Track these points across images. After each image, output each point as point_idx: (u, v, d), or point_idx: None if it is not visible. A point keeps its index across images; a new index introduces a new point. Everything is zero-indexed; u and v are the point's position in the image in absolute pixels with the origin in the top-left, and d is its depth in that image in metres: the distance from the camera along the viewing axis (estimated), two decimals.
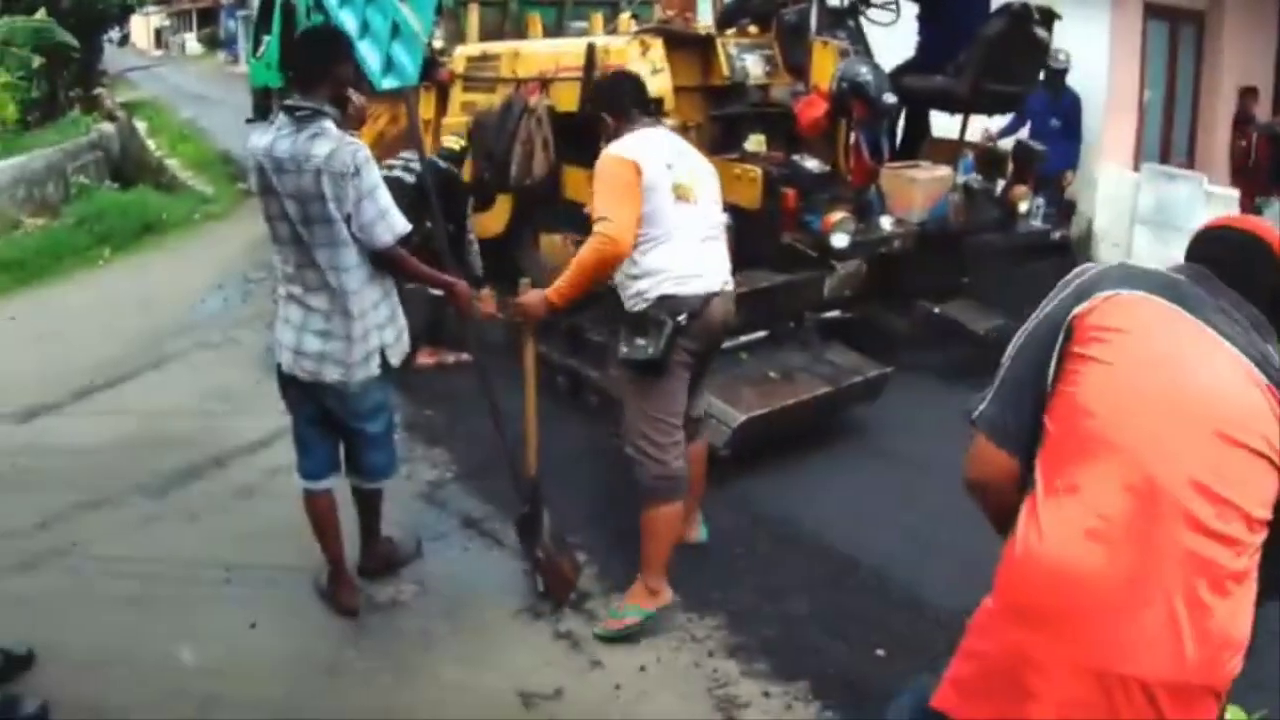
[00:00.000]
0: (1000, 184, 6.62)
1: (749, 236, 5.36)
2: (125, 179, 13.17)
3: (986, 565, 2.18)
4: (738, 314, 4.95)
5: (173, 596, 4.22)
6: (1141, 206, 9.36)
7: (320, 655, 3.84)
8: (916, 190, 5.94)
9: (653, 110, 4.00)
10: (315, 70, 3.59)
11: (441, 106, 7.85)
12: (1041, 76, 7.19)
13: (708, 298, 3.74)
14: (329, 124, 3.52)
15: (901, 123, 6.75)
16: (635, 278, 3.72)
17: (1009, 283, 6.04)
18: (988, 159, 6.75)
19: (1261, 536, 1.94)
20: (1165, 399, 1.92)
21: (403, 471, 4.93)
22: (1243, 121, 10.41)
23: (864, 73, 5.52)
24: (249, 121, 13.98)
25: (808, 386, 5.24)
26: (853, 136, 5.80)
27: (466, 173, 6.80)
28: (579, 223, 6.33)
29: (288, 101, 3.60)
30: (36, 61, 16.09)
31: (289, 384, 3.87)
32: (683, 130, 5.91)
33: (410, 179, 6.10)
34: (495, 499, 4.84)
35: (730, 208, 5.19)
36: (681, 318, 3.64)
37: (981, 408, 2.13)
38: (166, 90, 25.79)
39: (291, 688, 3.67)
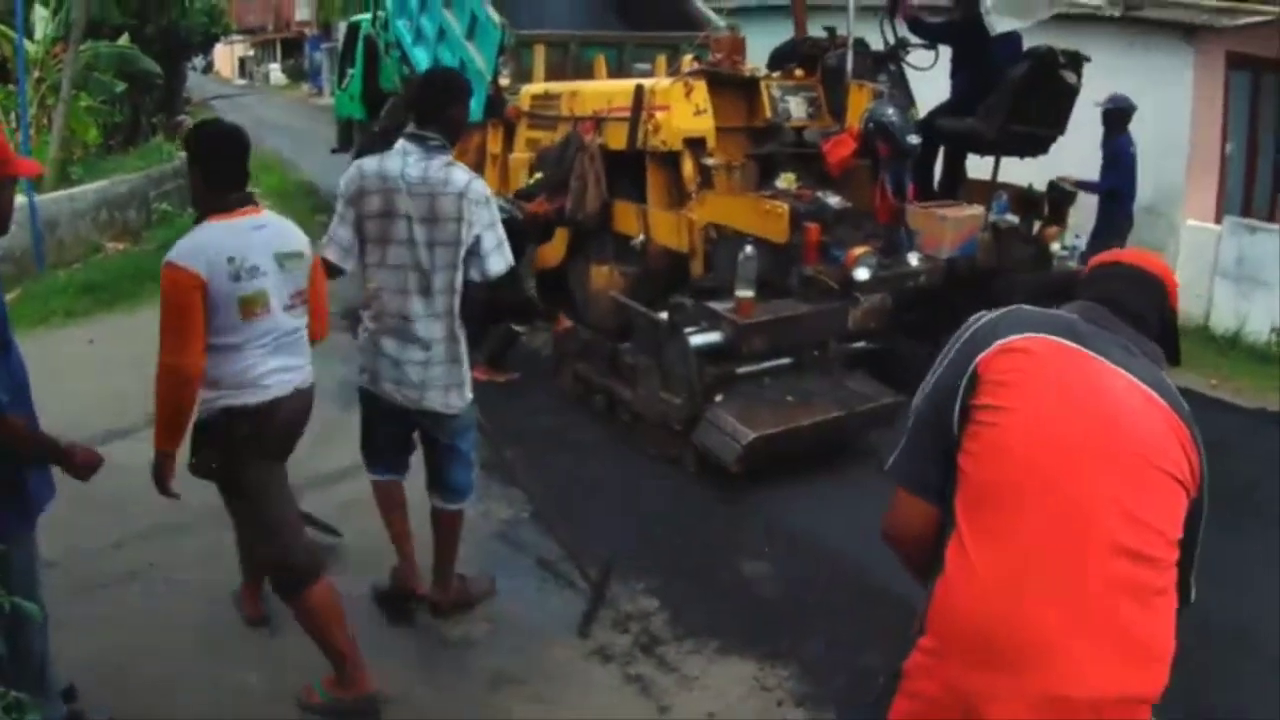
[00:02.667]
0: (1036, 224, 7.42)
1: (775, 268, 6.29)
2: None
3: None
4: (763, 341, 5.89)
5: (242, 625, 4.48)
6: (1223, 259, 10.03)
7: (391, 690, 4.05)
8: (946, 228, 6.78)
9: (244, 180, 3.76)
10: (443, 106, 4.10)
11: (508, 142, 8.96)
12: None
13: (274, 403, 3.69)
14: (453, 156, 4.09)
15: (940, 163, 7.61)
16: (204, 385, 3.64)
17: None
18: (1023, 199, 7.52)
19: (1177, 554, 2.17)
20: (1079, 433, 2.13)
21: (479, 509, 5.46)
22: None
23: (889, 114, 6.43)
24: (334, 152, 15.38)
25: (820, 410, 6.09)
26: (879, 175, 6.67)
27: (541, 210, 7.84)
28: (626, 255, 7.39)
29: (417, 131, 4.05)
30: (120, 87, 17.62)
31: (383, 407, 4.31)
32: (725, 169, 6.94)
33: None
34: (571, 541, 5.16)
35: (759, 240, 6.15)
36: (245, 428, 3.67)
37: (894, 458, 2.34)
38: (249, 120, 27.37)
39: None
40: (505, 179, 8.79)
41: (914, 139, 6.52)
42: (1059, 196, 7.47)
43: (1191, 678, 4.08)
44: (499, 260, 4.12)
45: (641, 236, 7.27)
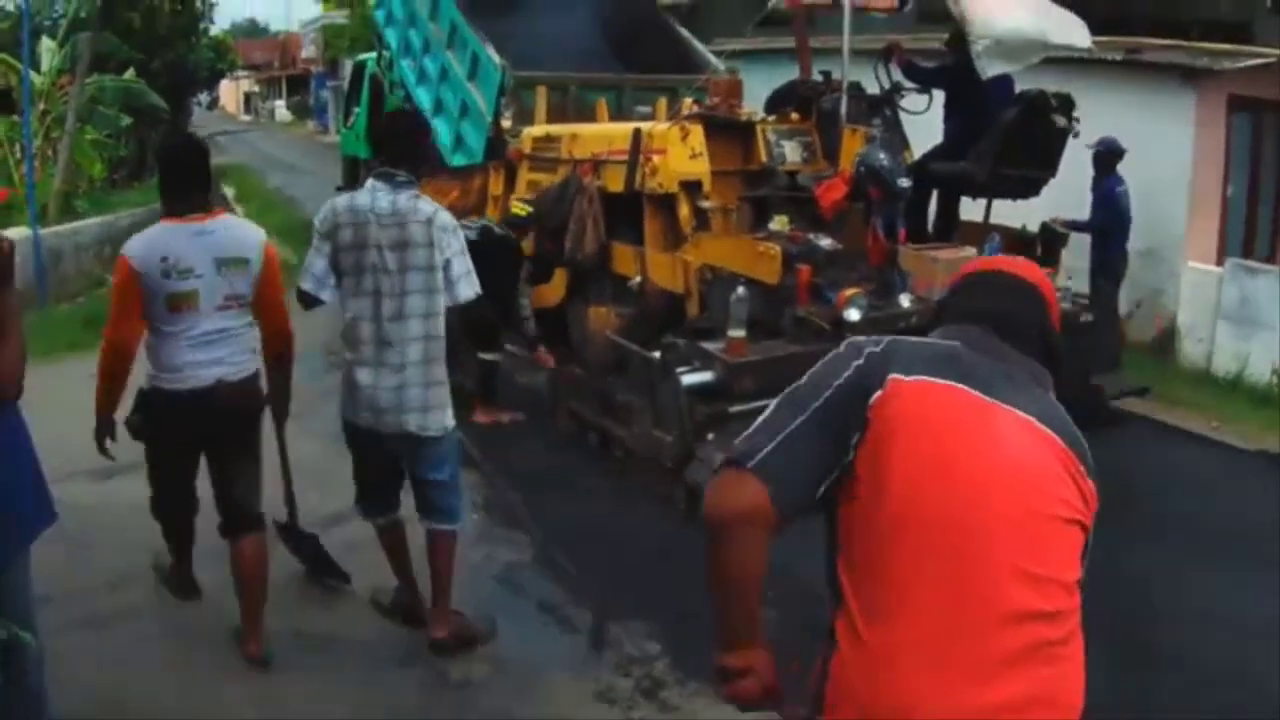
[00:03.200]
0: None
1: (768, 308, 6.53)
2: None
3: None
4: (754, 380, 6.10)
5: (243, 664, 4.53)
6: (1225, 302, 10.21)
7: None
8: (938, 270, 7.02)
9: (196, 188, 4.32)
10: (407, 146, 4.46)
11: (510, 184, 9.23)
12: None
13: (192, 392, 4.22)
14: (419, 191, 4.37)
15: (934, 206, 7.87)
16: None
17: None
18: (1016, 241, 7.75)
19: (1078, 596, 2.12)
20: (961, 494, 2.04)
21: (481, 552, 5.68)
22: None
23: (880, 158, 6.69)
24: (339, 190, 15.68)
25: None
26: (871, 218, 6.93)
27: (529, 246, 8.11)
28: (623, 296, 7.64)
29: (384, 169, 4.34)
30: (125, 121, 18.03)
31: (364, 439, 4.52)
32: (721, 212, 7.20)
33: (472, 235, 7.39)
34: (572, 583, 5.41)
35: (752, 282, 6.40)
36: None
37: (761, 456, 2.10)
38: (254, 156, 27.99)
39: None
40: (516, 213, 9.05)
41: (905, 182, 6.78)
42: (1051, 238, 7.74)
43: None
44: (468, 287, 4.42)
45: (639, 278, 7.53)
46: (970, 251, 7.34)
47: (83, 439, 6.47)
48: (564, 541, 5.88)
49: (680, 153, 7.21)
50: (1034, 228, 8.05)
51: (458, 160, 9.45)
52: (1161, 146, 10.40)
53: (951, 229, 7.93)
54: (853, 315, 6.42)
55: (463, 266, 4.40)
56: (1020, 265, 2.45)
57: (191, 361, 4.20)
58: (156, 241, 4.16)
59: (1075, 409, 6.25)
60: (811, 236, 6.69)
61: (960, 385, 2.12)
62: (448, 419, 4.51)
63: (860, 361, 2.16)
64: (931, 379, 2.12)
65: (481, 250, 6.04)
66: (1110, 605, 5.13)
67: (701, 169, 7.22)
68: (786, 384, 6.08)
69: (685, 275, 7.08)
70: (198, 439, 4.42)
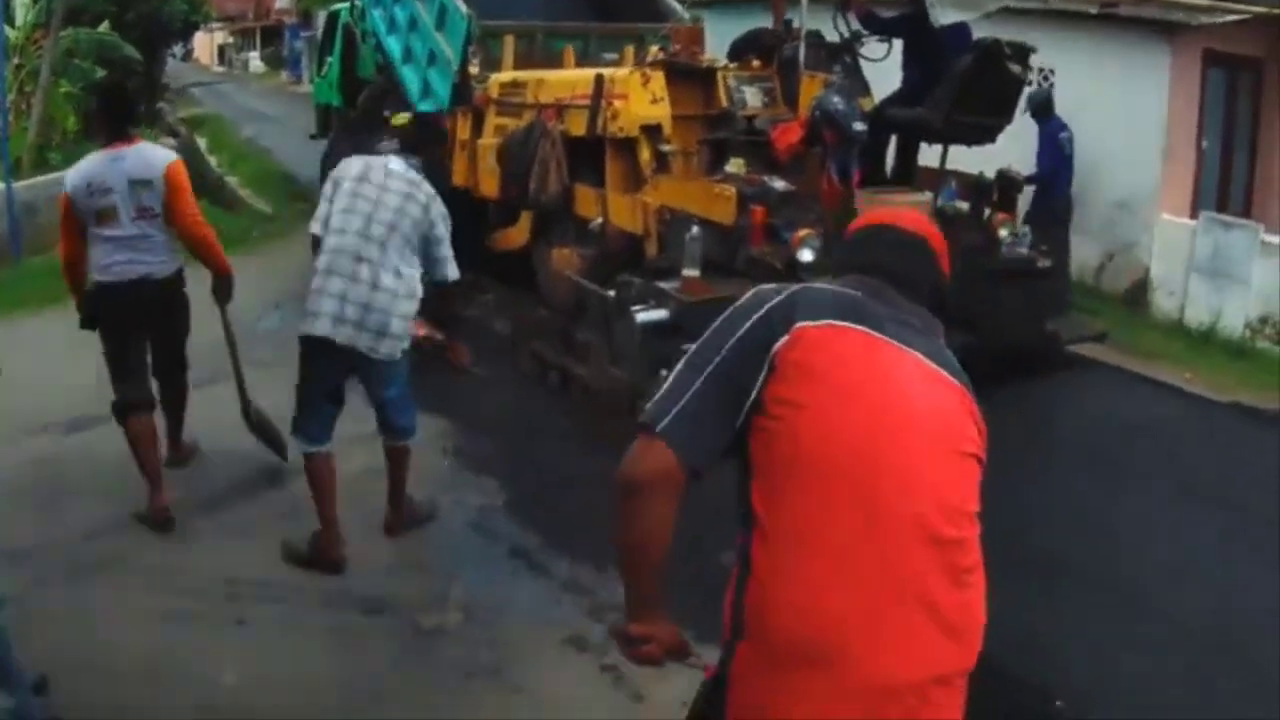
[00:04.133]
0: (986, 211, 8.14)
1: (724, 248, 6.98)
2: None
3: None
4: (708, 319, 6.50)
5: (215, 613, 4.72)
6: (1198, 255, 10.59)
7: (363, 680, 4.31)
8: None
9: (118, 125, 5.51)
10: (429, 145, 5.50)
11: (477, 129, 9.67)
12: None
13: (118, 284, 5.41)
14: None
15: (893, 152, 8.31)
16: None
17: (983, 304, 7.53)
18: (973, 187, 8.22)
19: (979, 526, 2.31)
20: (875, 425, 2.19)
21: (452, 498, 5.91)
22: None
23: (835, 103, 7.13)
24: (312, 138, 16.09)
25: None
26: (826, 161, 7.36)
27: (492, 188, 8.55)
28: (585, 238, 8.08)
29: (404, 152, 5.25)
30: (100, 74, 18.32)
31: (318, 353, 4.92)
32: (681, 155, 7.64)
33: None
34: (544, 528, 5.55)
35: (708, 223, 6.84)
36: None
37: (667, 421, 2.23)
38: (229, 108, 28.27)
39: (330, 711, 4.14)
40: (473, 164, 9.48)
41: (859, 126, 7.21)
42: (1007, 184, 8.18)
43: (1172, 679, 4.68)
44: (451, 270, 5.20)
45: (600, 219, 7.98)
46: (925, 196, 7.78)
47: (58, 392, 6.90)
48: (531, 486, 6.16)
49: (641, 98, 7.66)
50: (992, 175, 8.45)
51: (425, 107, 9.87)
52: (1136, 100, 10.84)
53: (910, 174, 8.36)
54: (806, 256, 6.85)
55: (447, 251, 5.13)
56: (910, 218, 2.60)
57: (119, 261, 5.39)
58: (83, 170, 5.45)
59: (1031, 353, 6.77)
60: (766, 179, 7.12)
61: (866, 329, 2.26)
62: (399, 347, 4.99)
63: (761, 313, 2.28)
64: (838, 323, 2.25)
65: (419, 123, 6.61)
66: (1084, 550, 5.65)
67: (662, 113, 7.67)
68: None
69: (644, 216, 7.53)
70: (132, 325, 5.54)
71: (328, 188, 5.09)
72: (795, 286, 2.37)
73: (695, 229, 6.66)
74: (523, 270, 8.78)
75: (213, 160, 19.03)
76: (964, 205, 8.06)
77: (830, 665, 2.14)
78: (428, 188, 5.10)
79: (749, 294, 2.36)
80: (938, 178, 8.29)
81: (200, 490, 5.76)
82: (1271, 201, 11.96)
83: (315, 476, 5.11)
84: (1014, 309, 7.80)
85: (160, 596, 4.84)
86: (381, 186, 4.97)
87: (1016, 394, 7.97)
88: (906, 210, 2.73)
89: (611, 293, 6.95)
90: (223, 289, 5.76)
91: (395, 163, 5.10)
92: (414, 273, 5.03)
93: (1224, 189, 11.98)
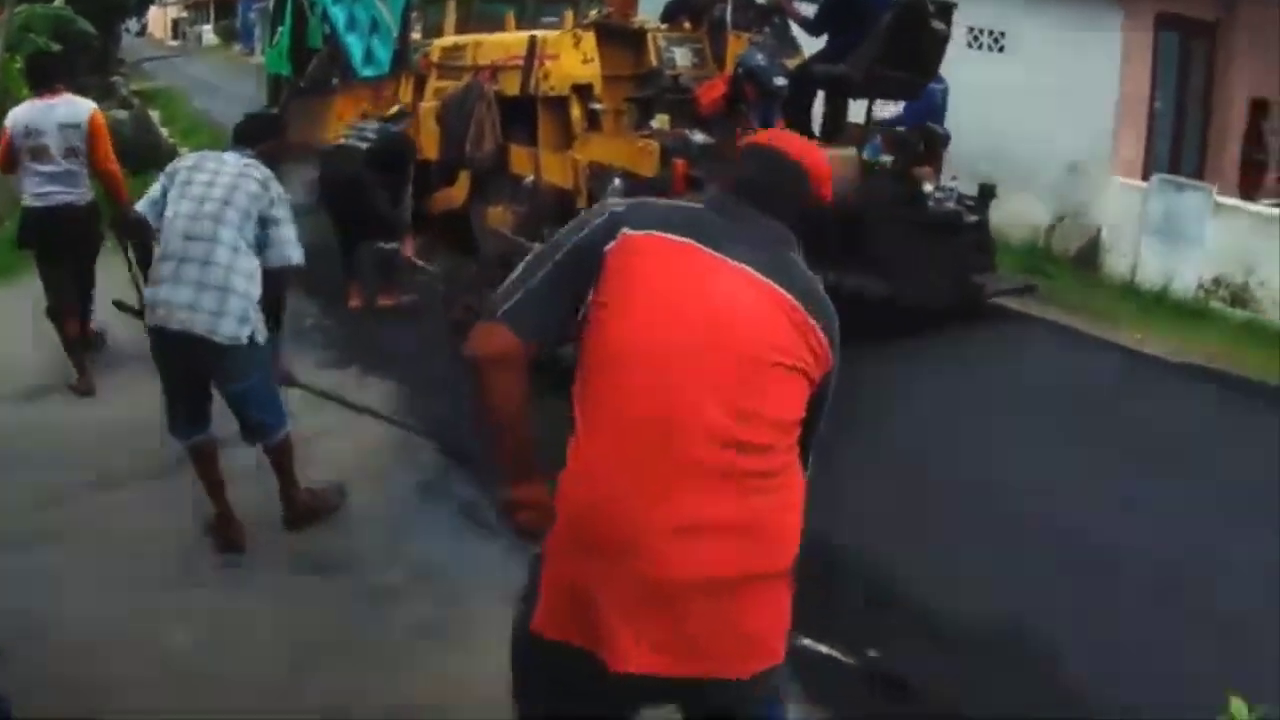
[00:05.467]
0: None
1: None
2: (137, 166, 15.71)
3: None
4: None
5: (169, 578, 4.88)
6: (1150, 217, 11.13)
7: (311, 640, 4.47)
8: None
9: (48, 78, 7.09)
10: (262, 136, 5.41)
11: (419, 92, 10.36)
12: None
13: (45, 209, 6.99)
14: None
15: (820, 108, 8.98)
16: None
17: (907, 257, 8.26)
18: (898, 141, 8.90)
19: (796, 433, 2.53)
20: (680, 334, 2.42)
21: (398, 459, 6.17)
22: (1254, 134, 12.38)
23: (758, 59, 7.83)
24: (265, 109, 16.70)
25: None
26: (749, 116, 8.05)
27: (432, 150, 9.23)
28: (519, 195, 8.77)
29: (243, 144, 5.33)
30: (54, 48, 18.90)
31: (164, 345, 4.99)
32: (612, 114, 8.32)
33: (363, 145, 8.49)
34: (491, 486, 5.32)
35: (634, 176, 7.52)
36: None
37: (508, 306, 2.48)
38: (182, 80, 28.76)
39: (281, 670, 4.29)
40: (416, 126, 10.15)
41: (780, 82, 7.90)
42: (931, 138, 8.85)
43: (1127, 628, 4.95)
44: (293, 251, 5.16)
45: (532, 177, 8.65)
46: (849, 151, 8.46)
47: (12, 362, 7.55)
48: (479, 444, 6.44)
49: (573, 58, 8.38)
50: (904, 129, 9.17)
51: (368, 72, 10.60)
52: (1088, 63, 11.45)
53: (837, 130, 9.03)
54: None
55: (289, 233, 5.14)
56: (786, 139, 2.80)
57: (49, 190, 7.01)
58: (21, 114, 7.05)
59: (955, 305, 7.82)
60: (688, 133, 7.80)
61: (689, 240, 2.49)
62: (243, 331, 4.93)
63: (601, 220, 2.54)
64: (662, 234, 2.49)
65: (380, 149, 7.21)
66: (1036, 505, 6.07)
67: (592, 73, 8.39)
68: None
69: (574, 172, 8.21)
70: (56, 242, 7.14)
71: (162, 178, 5.19)
72: (638, 199, 2.68)
73: (617, 181, 7.35)
74: (462, 229, 9.44)
75: (165, 132, 19.51)
76: (886, 159, 8.76)
77: (622, 557, 2.38)
78: (265, 170, 5.17)
79: (597, 204, 2.66)
80: (863, 133, 8.97)
81: (149, 456, 5.89)
82: (1224, 163, 12.57)
83: (196, 467, 5.23)
84: (938, 261, 8.49)
85: (112, 561, 5.03)
86: (215, 171, 5.07)
87: (961, 351, 8.66)
88: (794, 136, 2.88)
89: (537, 245, 7.57)
90: (122, 222, 6.09)
91: (229, 154, 5.24)
92: (255, 257, 5.08)
93: (1176, 151, 12.56)
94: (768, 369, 2.46)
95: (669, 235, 2.49)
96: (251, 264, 5.00)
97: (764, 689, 2.62)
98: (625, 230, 2.49)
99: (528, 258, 2.58)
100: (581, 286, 2.50)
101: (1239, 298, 10.53)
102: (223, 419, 5.30)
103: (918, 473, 6.52)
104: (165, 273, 4.92)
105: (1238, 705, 1.62)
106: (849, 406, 6.69)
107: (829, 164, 2.77)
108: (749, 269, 2.49)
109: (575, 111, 8.36)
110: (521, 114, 8.88)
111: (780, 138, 2.85)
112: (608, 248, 2.48)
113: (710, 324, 2.43)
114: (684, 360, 2.41)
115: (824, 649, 4.36)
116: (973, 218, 8.95)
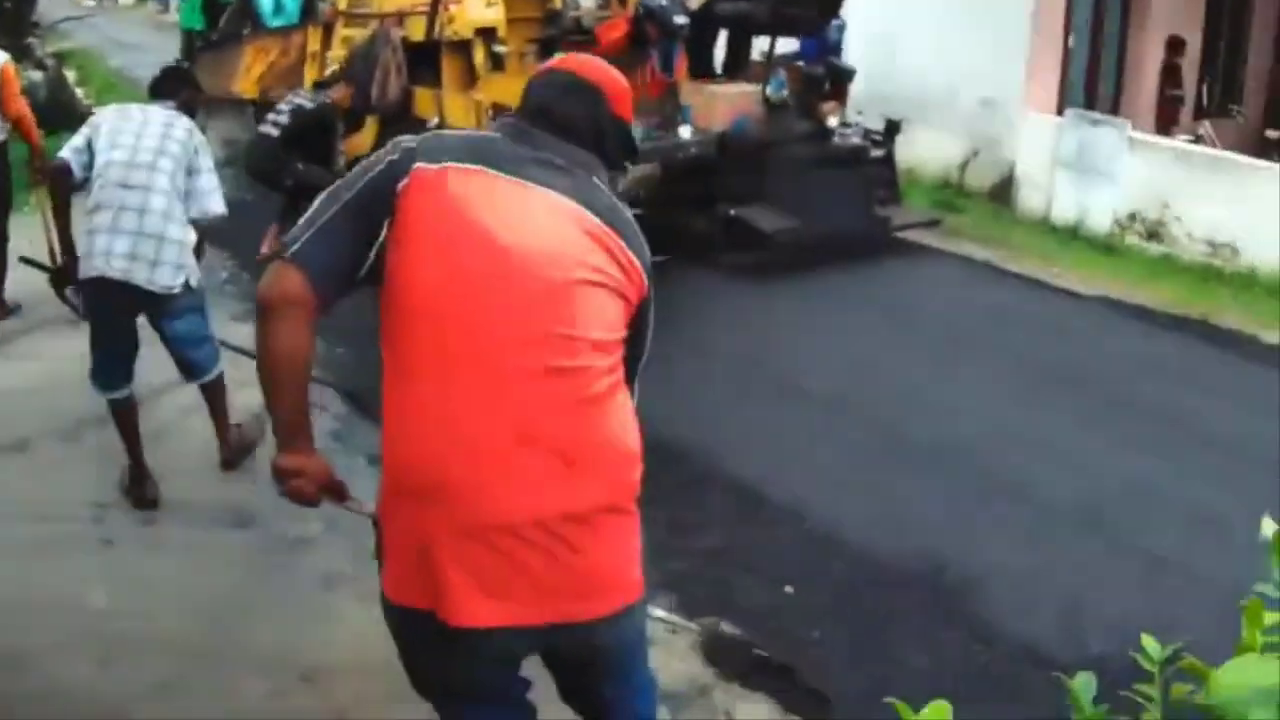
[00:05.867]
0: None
1: None
2: (53, 126, 15.69)
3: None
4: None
5: (84, 539, 4.96)
6: (1064, 152, 11.38)
7: (229, 594, 4.59)
8: (717, 104, 8.38)
9: None
10: (178, 89, 5.72)
11: (327, 41, 10.44)
12: None
13: None
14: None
15: (723, 45, 9.19)
16: None
17: (809, 191, 8.53)
18: (803, 78, 9.14)
19: (618, 353, 2.53)
20: (480, 263, 2.40)
21: (315, 409, 6.35)
22: (1170, 71, 12.63)
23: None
24: (178, 62, 16.70)
25: None
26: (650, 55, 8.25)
27: (341, 98, 9.33)
28: None
29: (162, 97, 5.60)
30: None
31: (99, 296, 5.15)
32: (515, 56, 8.47)
33: (275, 133, 8.57)
34: None
35: None
36: None
37: (298, 246, 2.46)
38: (98, 40, 28.46)
39: (200, 627, 4.38)
40: (324, 75, 10.25)
41: (681, 20, 8.11)
42: (838, 74, 9.10)
43: (1038, 554, 5.26)
44: (216, 203, 5.40)
45: (437, 119, 8.79)
46: (751, 87, 8.68)
47: None
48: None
49: (476, 2, 8.53)
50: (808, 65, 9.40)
51: (277, 22, 10.68)
52: None
53: (740, 66, 9.24)
54: None
55: (213, 183, 5.37)
56: (581, 63, 2.82)
57: None
58: None
59: (861, 238, 8.09)
60: None
61: (485, 168, 2.47)
62: (178, 278, 5.15)
63: (394, 157, 2.50)
64: (456, 164, 2.47)
65: (294, 131, 7.35)
66: (958, 435, 6.39)
67: (496, 17, 8.54)
68: None
69: (477, 114, 8.36)
70: None
71: (85, 127, 5.37)
72: (431, 133, 2.67)
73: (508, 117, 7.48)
74: None
75: (80, 92, 19.42)
76: (789, 95, 8.96)
77: (449, 503, 2.37)
78: (188, 120, 5.41)
79: (390, 142, 2.59)
80: (766, 69, 9.17)
81: (60, 418, 6.02)
82: (1140, 98, 12.84)
83: (117, 421, 5.35)
84: (843, 195, 8.81)
85: (27, 525, 5.07)
86: (142, 121, 5.26)
87: (870, 284, 8.97)
88: (588, 57, 2.90)
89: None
90: (35, 163, 7.20)
91: (152, 106, 5.47)
92: (181, 203, 5.24)
93: (1092, 88, 12.82)
94: (575, 287, 2.45)
95: (463, 165, 2.48)
96: (183, 211, 5.21)
97: (619, 630, 2.63)
98: (418, 165, 2.47)
99: (321, 195, 2.56)
100: (374, 226, 2.47)
101: (1154, 233, 10.81)
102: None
103: (804, 396, 6.88)
104: (102, 222, 5.05)
105: (1150, 643, 1.75)
106: (752, 336, 7.15)
107: (624, 82, 2.79)
108: (549, 191, 2.50)
109: (479, 54, 8.51)
110: (426, 58, 8.98)
111: (572, 60, 2.86)
112: (401, 185, 2.45)
113: (513, 249, 2.42)
114: (488, 290, 2.41)
115: (671, 618, 4.53)
116: (878, 152, 9.26)
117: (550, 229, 2.47)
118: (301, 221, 2.51)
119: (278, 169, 7.58)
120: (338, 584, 4.65)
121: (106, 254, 5.01)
